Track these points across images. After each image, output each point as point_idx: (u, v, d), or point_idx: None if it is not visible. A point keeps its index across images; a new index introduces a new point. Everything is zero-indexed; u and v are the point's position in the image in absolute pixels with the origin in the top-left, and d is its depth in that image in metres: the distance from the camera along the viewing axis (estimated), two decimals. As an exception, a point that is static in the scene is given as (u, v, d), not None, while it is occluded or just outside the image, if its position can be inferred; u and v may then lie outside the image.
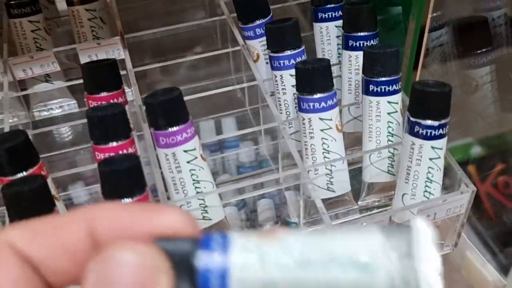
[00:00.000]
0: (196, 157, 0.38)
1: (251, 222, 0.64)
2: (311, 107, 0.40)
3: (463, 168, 0.40)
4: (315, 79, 0.40)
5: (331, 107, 0.41)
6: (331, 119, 0.41)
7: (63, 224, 0.17)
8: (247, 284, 0.16)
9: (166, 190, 0.39)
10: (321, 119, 0.41)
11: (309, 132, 0.41)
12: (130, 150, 0.37)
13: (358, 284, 0.15)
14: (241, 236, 0.16)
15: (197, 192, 0.39)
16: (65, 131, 0.54)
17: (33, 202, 0.32)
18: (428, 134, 0.37)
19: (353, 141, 0.49)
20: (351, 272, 0.15)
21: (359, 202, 0.46)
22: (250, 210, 0.65)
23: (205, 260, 0.16)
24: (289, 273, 0.15)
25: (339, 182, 0.43)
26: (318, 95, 0.40)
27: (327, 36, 0.48)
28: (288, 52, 0.44)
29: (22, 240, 0.16)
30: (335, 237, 0.16)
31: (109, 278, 0.15)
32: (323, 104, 0.40)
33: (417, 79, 0.47)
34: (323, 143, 0.41)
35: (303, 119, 0.41)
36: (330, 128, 0.41)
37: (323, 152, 0.42)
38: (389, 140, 0.43)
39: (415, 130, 0.38)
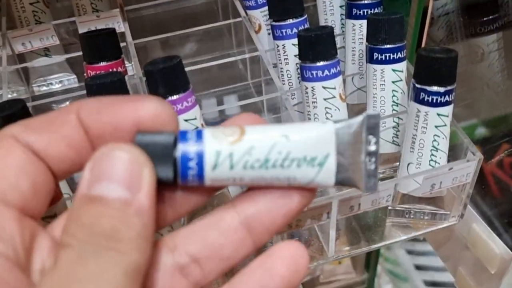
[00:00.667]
0: (197, 127, 0.38)
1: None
2: (314, 75, 0.39)
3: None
4: (318, 46, 0.39)
5: (335, 75, 0.40)
6: (334, 88, 0.40)
7: (54, 116, 0.19)
8: (218, 180, 0.19)
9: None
10: (324, 87, 0.40)
11: (312, 102, 0.41)
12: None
13: (310, 175, 0.18)
14: (213, 134, 0.19)
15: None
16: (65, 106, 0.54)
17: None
18: (434, 100, 0.37)
19: (357, 113, 0.48)
20: (305, 167, 0.18)
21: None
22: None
23: (183, 148, 0.18)
24: (254, 172, 0.18)
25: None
26: (322, 63, 0.39)
27: (330, 6, 0.47)
28: (290, 21, 0.43)
29: (21, 133, 0.18)
30: (294, 135, 0.19)
31: (103, 171, 0.18)
32: (326, 72, 0.39)
33: (422, 48, 0.46)
34: (327, 112, 0.40)
35: (306, 88, 0.40)
36: (334, 97, 0.40)
37: (326, 122, 0.41)
38: (393, 109, 0.42)
39: (421, 97, 0.37)
